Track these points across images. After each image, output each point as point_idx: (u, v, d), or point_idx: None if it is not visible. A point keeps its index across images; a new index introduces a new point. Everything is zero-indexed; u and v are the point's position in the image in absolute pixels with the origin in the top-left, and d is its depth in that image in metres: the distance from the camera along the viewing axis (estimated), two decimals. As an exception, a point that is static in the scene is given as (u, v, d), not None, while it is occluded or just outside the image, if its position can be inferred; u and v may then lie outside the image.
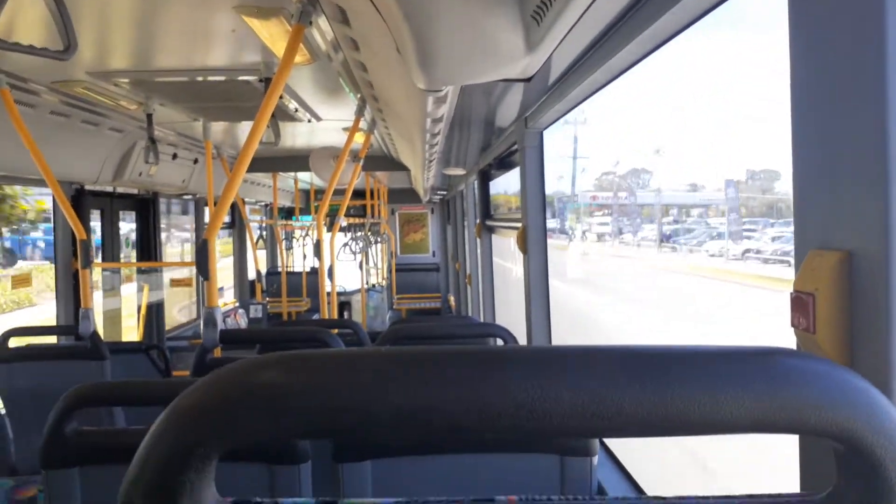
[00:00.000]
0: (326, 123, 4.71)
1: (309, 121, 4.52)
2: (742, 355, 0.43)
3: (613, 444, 2.51)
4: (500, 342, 2.56)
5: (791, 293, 0.81)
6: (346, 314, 9.92)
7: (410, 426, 0.42)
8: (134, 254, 6.35)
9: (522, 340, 2.75)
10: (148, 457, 0.43)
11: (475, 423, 0.41)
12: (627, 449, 2.45)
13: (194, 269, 5.68)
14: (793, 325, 0.81)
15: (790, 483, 0.88)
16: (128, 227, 6.14)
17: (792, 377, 0.42)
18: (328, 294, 4.46)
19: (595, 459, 1.62)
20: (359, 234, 9.81)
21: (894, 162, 0.69)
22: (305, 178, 8.99)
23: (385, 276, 11.26)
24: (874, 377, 0.72)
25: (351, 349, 0.45)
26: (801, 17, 0.82)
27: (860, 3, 0.72)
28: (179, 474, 0.42)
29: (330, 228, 6.11)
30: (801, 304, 0.79)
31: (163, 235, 6.51)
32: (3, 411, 3.45)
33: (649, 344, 0.45)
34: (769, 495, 0.52)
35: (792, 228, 0.85)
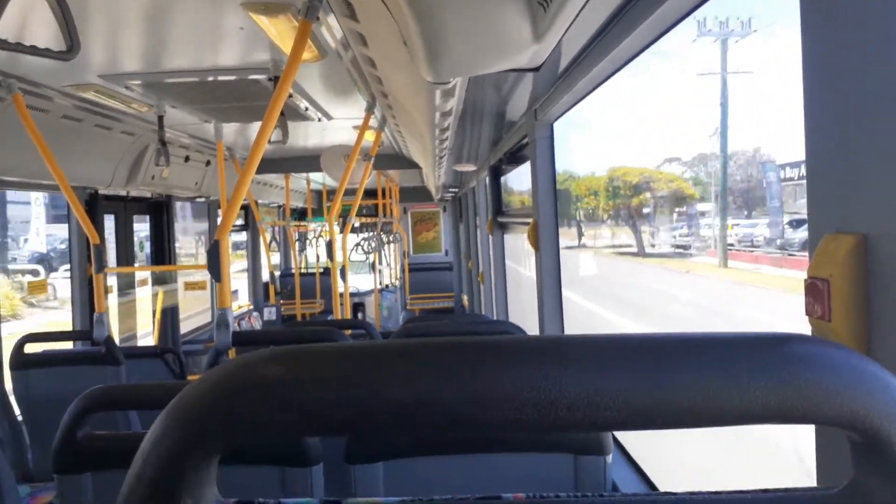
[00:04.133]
0: (337, 122, 4.71)
1: (319, 119, 4.52)
2: (754, 342, 0.41)
3: (628, 442, 2.47)
4: None
5: (805, 279, 0.78)
6: (359, 315, 9.93)
7: (409, 420, 0.40)
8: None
9: None
10: (148, 456, 0.42)
11: (474, 415, 0.39)
12: (643, 447, 2.42)
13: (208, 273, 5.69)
14: (807, 313, 0.78)
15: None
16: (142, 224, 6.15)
17: (805, 364, 0.40)
18: (341, 295, 4.46)
19: (609, 458, 1.59)
20: (371, 233, 9.81)
21: None
22: (318, 178, 9.01)
23: (398, 275, 11.26)
24: (892, 365, 0.69)
25: (349, 342, 0.43)
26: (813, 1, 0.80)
27: None
28: (179, 473, 0.41)
29: (342, 229, 6.11)
30: (815, 291, 0.76)
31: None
32: (20, 417, 3.48)
33: (657, 332, 0.43)
34: (784, 489, 0.49)
35: None
